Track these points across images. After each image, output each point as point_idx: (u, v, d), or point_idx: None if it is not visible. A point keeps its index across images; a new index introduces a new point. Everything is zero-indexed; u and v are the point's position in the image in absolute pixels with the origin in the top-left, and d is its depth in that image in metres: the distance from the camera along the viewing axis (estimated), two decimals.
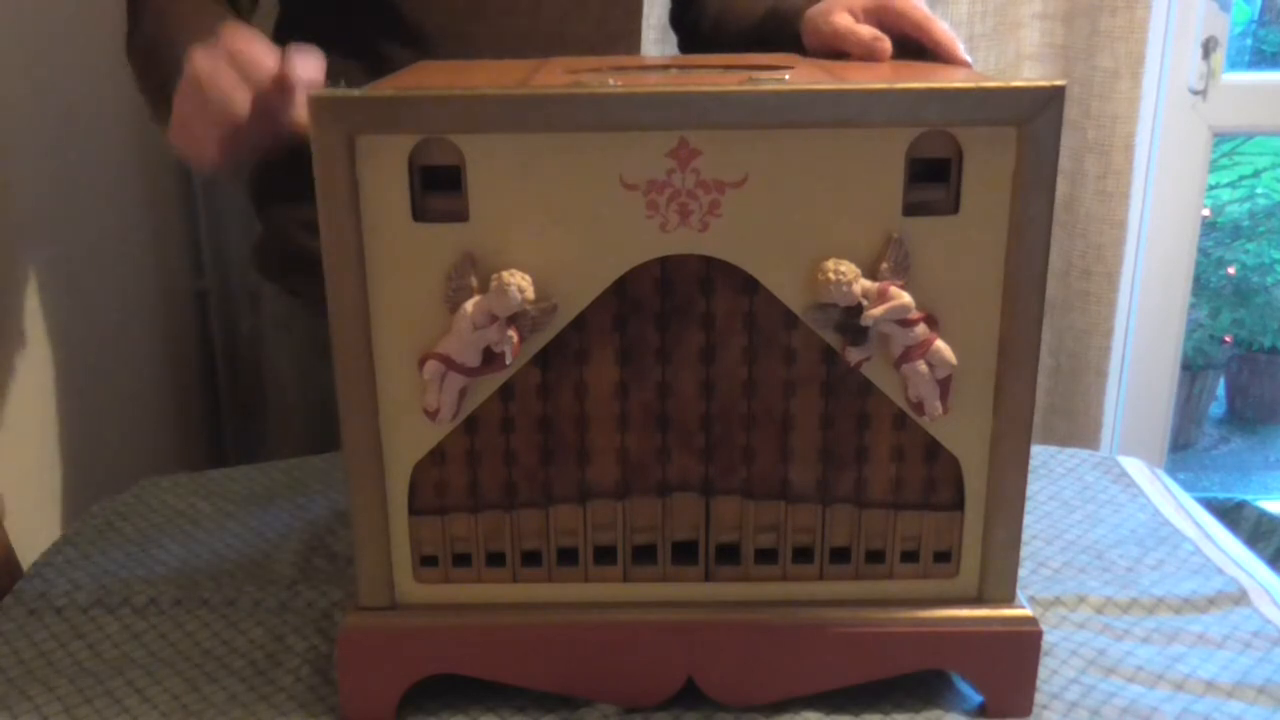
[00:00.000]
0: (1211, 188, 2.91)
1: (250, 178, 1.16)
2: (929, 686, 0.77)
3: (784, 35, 0.95)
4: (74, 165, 1.27)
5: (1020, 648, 0.74)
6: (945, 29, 0.84)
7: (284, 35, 1.12)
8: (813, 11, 0.91)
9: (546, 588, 0.74)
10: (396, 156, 0.66)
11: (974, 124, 0.65)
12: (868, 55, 0.86)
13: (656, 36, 1.53)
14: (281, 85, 0.71)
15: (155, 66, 0.87)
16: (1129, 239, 1.61)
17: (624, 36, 1.16)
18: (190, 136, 0.75)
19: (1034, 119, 0.65)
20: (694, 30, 1.16)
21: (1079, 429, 1.69)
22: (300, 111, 0.70)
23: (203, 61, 0.72)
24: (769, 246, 0.67)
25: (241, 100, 0.72)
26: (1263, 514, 1.89)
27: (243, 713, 0.76)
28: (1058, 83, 0.64)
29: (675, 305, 0.70)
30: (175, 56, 0.77)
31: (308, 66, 0.72)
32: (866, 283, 0.67)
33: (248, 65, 0.72)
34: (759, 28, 1.02)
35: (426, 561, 0.74)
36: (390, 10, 1.04)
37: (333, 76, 0.71)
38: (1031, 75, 1.60)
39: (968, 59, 0.82)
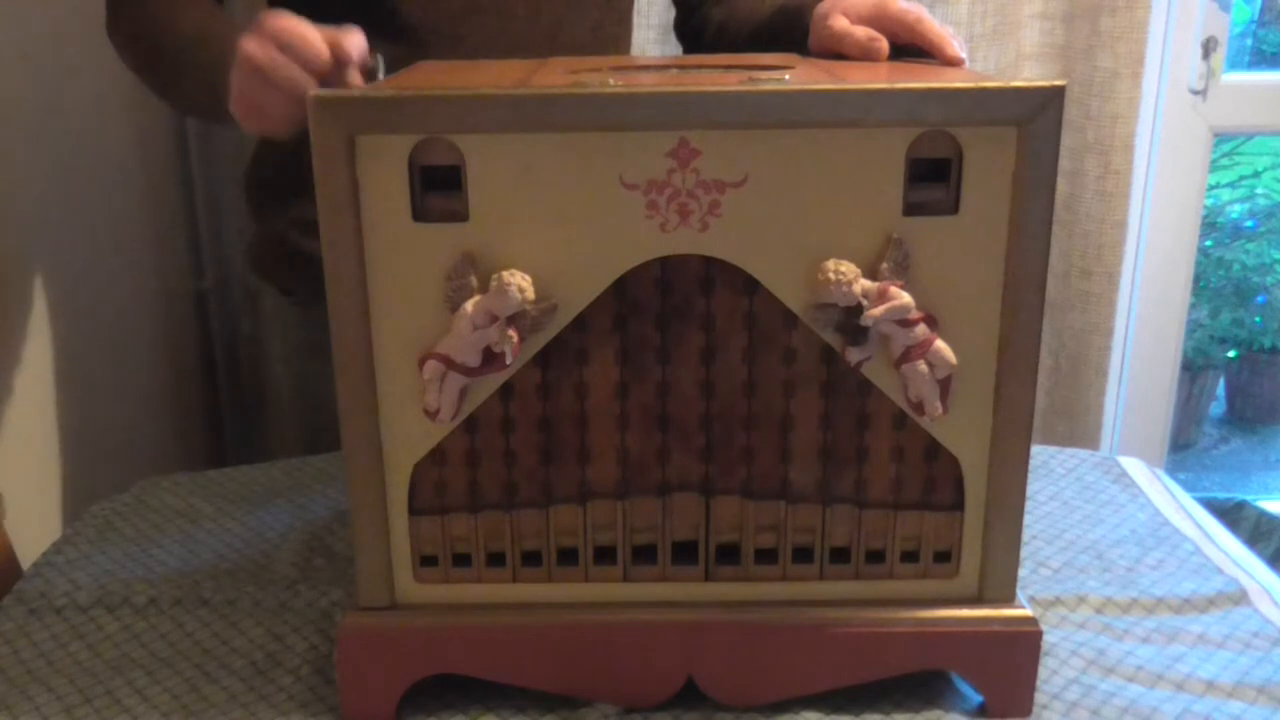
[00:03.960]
0: (1211, 188, 2.91)
1: (246, 178, 1.16)
2: (929, 686, 0.77)
3: (793, 31, 0.95)
4: (74, 165, 1.27)
5: (1020, 648, 0.74)
6: (938, 27, 0.84)
7: None
8: (815, 14, 0.91)
9: (546, 588, 0.74)
10: (396, 156, 0.66)
11: (974, 124, 0.65)
12: (865, 55, 0.86)
13: (657, 37, 1.53)
14: (337, 65, 0.75)
15: (186, 64, 0.89)
16: (1129, 239, 1.61)
17: (616, 41, 1.16)
18: (260, 116, 0.78)
19: (1034, 119, 0.65)
20: (697, 37, 1.16)
21: (1079, 429, 1.69)
22: (353, 80, 0.75)
23: (257, 50, 0.75)
24: (769, 246, 0.67)
25: (305, 85, 0.74)
26: (1263, 514, 1.89)
27: (243, 713, 0.76)
28: (1058, 83, 0.64)
29: (675, 305, 0.70)
30: (213, 54, 0.82)
31: (355, 44, 0.75)
32: (866, 283, 0.67)
33: (302, 50, 0.75)
34: (767, 26, 1.02)
35: (426, 561, 0.74)
36: (384, 7, 1.03)
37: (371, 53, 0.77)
38: (1031, 75, 1.60)
39: (962, 55, 0.82)
